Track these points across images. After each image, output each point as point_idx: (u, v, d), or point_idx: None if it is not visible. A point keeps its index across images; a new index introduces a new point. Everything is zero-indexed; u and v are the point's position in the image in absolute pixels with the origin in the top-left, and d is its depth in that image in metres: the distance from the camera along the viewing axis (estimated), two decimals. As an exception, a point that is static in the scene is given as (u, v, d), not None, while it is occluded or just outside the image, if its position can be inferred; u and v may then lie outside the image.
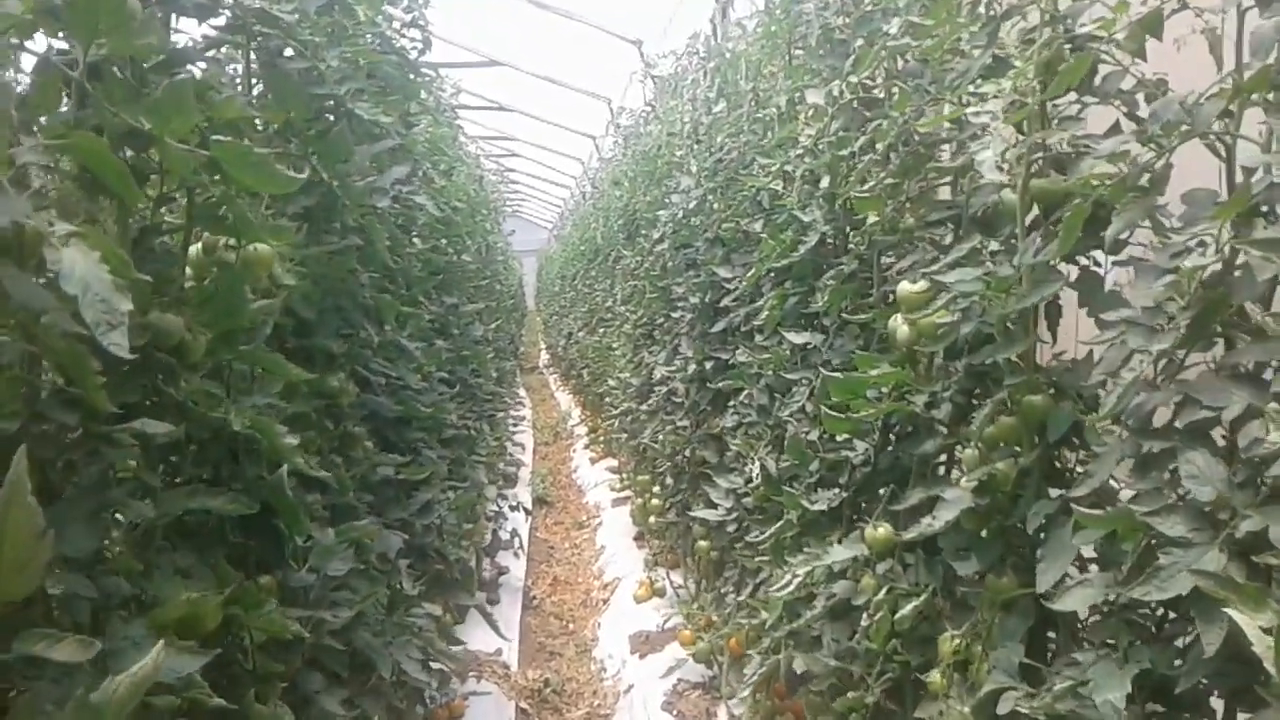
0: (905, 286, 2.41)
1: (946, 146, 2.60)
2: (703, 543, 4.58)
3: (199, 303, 1.64)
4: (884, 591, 2.37)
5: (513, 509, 6.75)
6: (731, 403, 4.16)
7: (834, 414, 2.53)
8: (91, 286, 1.11)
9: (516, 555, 6.86)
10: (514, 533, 6.74)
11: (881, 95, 2.85)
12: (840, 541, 2.66)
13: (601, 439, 10.19)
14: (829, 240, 3.04)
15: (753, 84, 3.95)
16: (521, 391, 15.77)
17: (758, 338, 3.68)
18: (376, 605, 2.49)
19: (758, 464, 3.15)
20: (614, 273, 9.14)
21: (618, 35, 12.17)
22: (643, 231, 6.79)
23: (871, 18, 3.04)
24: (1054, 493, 1.99)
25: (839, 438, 2.66)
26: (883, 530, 2.44)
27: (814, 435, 2.89)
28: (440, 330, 5.60)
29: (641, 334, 6.49)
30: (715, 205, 4.54)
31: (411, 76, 3.55)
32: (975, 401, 2.29)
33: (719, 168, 4.42)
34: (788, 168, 3.18)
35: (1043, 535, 1.88)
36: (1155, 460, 1.58)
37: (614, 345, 8.15)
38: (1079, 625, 1.87)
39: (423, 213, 5.02)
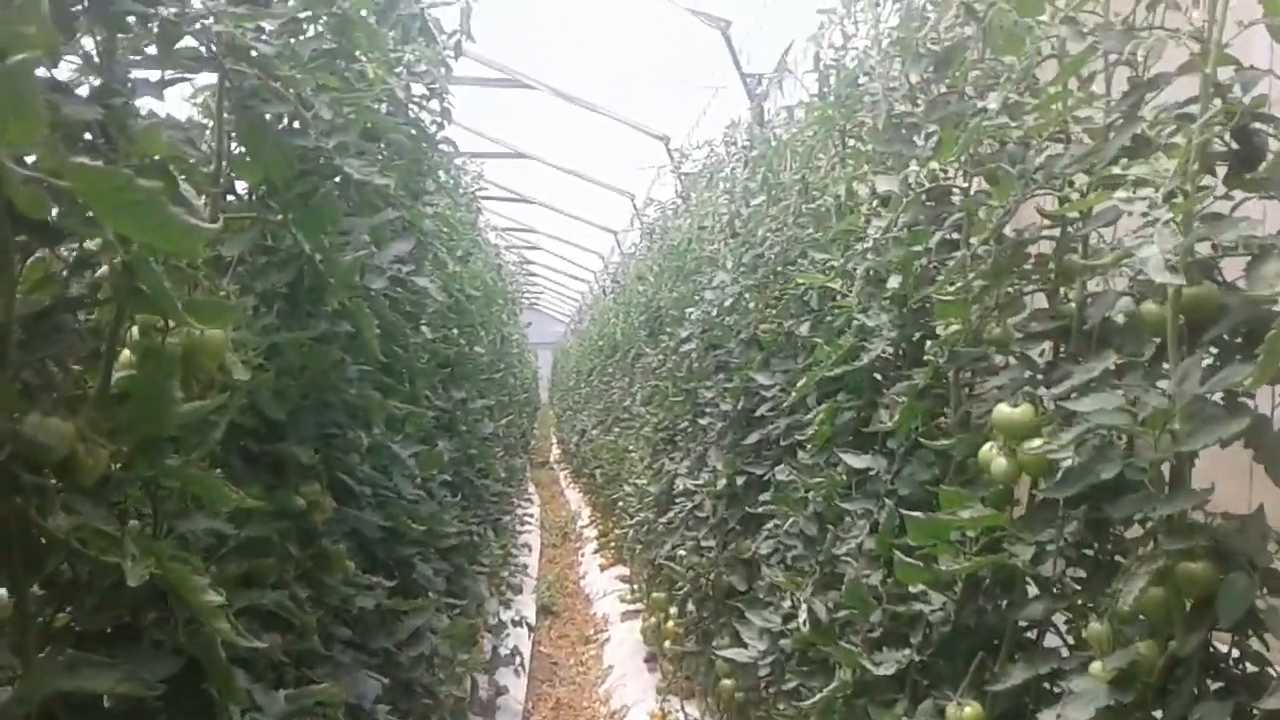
0: (1004, 410, 1.98)
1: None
2: (727, 681, 4.07)
3: (107, 405, 1.22)
4: (973, 792, 1.89)
5: (515, 624, 6.23)
6: (766, 526, 3.70)
7: (909, 560, 2.08)
8: None
9: (517, 673, 6.31)
10: (515, 650, 6.20)
11: (963, 184, 2.47)
12: (910, 715, 2.19)
13: (612, 545, 9.66)
14: (897, 349, 2.63)
15: (802, 173, 3.59)
16: (531, 487, 15.28)
17: (801, 455, 3.24)
18: (341, 775, 2.02)
19: (804, 605, 2.68)
20: (633, 371, 8.75)
21: (644, 130, 12.02)
22: (667, 329, 6.41)
23: (947, 100, 2.69)
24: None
25: (912, 588, 2.20)
26: (970, 711, 1.97)
27: (875, 579, 2.43)
28: (447, 427, 5.19)
29: (662, 439, 6.05)
30: (752, 304, 4.15)
31: (424, 147, 3.20)
32: (1095, 558, 1.85)
33: (758, 263, 4.04)
34: (848, 265, 2.78)
35: (1211, 752, 1.42)
36: None
37: (630, 448, 7.70)
38: None
39: (432, 299, 4.65)
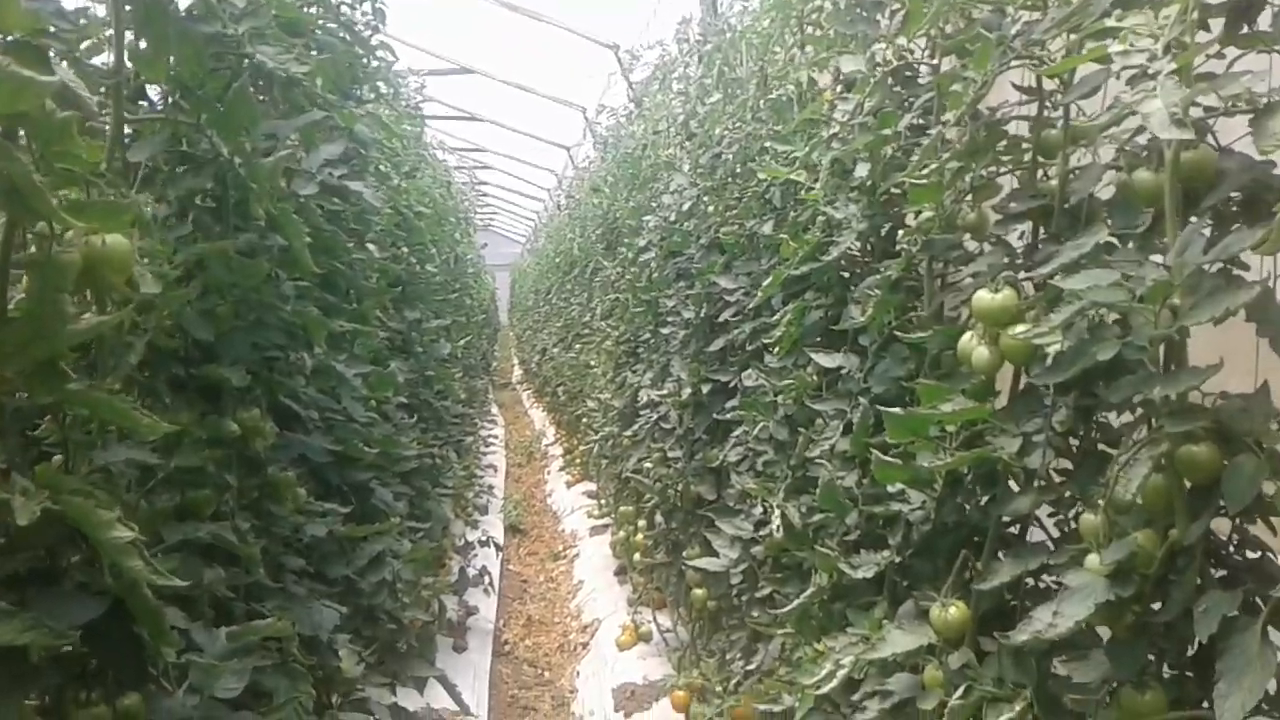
0: (984, 297, 1.86)
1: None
2: (699, 591, 4.02)
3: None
4: (960, 692, 1.82)
5: (483, 544, 6.16)
6: (735, 433, 3.61)
7: (887, 459, 1.98)
8: None
9: (487, 593, 6.26)
10: (484, 570, 6.14)
11: (932, 62, 2.32)
12: (889, 617, 2.12)
13: (578, 461, 9.61)
14: (866, 241, 2.50)
15: (759, 64, 3.41)
16: (494, 409, 15.18)
17: (768, 358, 3.13)
18: (299, 710, 1.91)
19: (777, 511, 2.59)
20: (591, 286, 8.59)
21: (593, 39, 11.65)
22: (625, 240, 6.25)
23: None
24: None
25: (890, 487, 2.11)
26: (955, 611, 1.89)
27: (851, 481, 2.34)
28: (401, 348, 5.04)
29: (624, 352, 5.93)
30: (711, 208, 4.00)
31: (358, 50, 2.98)
32: (1083, 448, 1.76)
33: (716, 164, 3.88)
34: (812, 156, 2.64)
35: (1216, 644, 1.34)
36: None
37: (592, 363, 7.58)
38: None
39: (377, 216, 4.46)
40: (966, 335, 1.94)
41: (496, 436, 12.73)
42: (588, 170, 10.85)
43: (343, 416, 2.67)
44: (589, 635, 5.81)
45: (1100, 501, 1.52)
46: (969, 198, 2.17)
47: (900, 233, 2.30)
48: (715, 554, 3.37)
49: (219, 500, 1.81)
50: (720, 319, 3.76)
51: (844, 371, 2.42)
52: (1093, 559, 1.50)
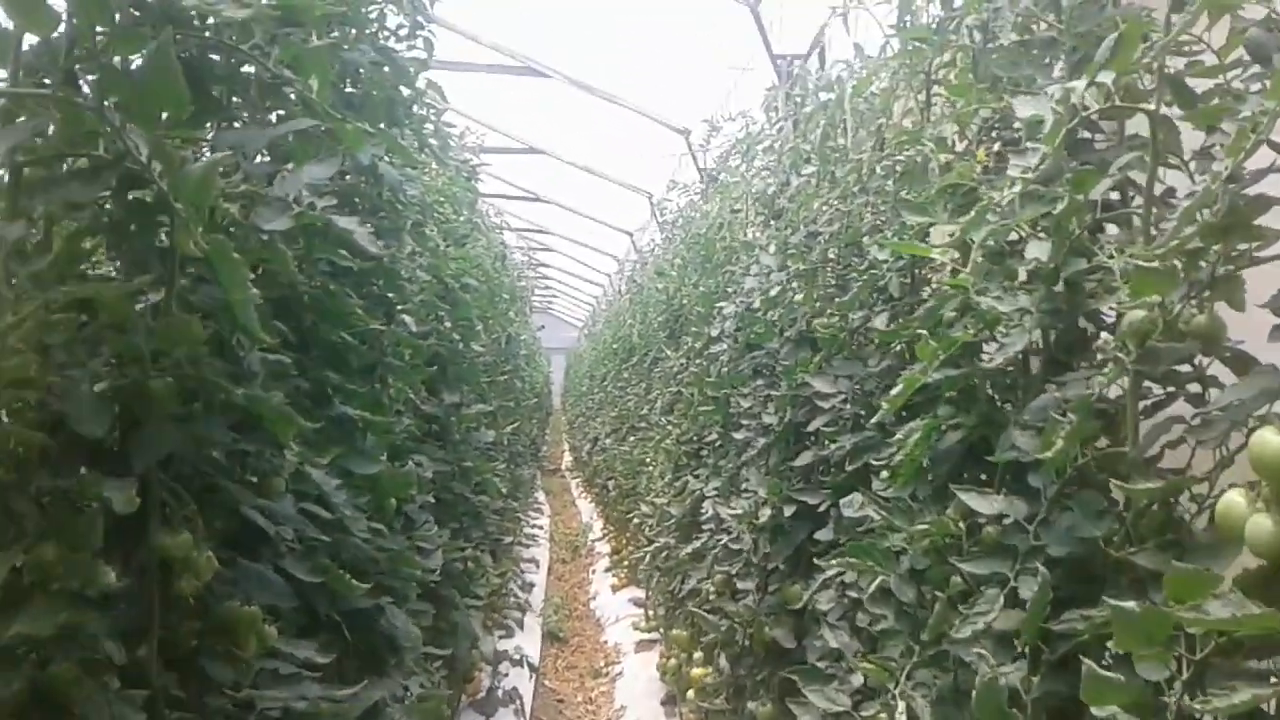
0: (1270, 440, 1.23)
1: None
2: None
3: None
4: None
5: (515, 663, 5.48)
6: (824, 572, 2.95)
7: (1103, 674, 1.32)
8: None
9: (518, 716, 5.56)
10: (515, 691, 5.45)
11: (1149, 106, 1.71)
12: None
13: (626, 565, 8.90)
14: (1045, 343, 1.87)
15: (876, 125, 2.82)
16: (540, 496, 14.54)
17: (875, 484, 2.49)
18: None
19: (901, 705, 1.91)
20: (650, 376, 8.00)
21: (664, 123, 11.28)
22: (691, 329, 5.66)
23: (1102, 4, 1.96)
24: None
25: (1099, 710, 1.44)
26: None
27: (1014, 677, 1.67)
28: (437, 436, 4.46)
29: (686, 453, 5.29)
30: (800, 296, 3.39)
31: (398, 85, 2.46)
32: None
33: (812, 244, 3.28)
34: (956, 232, 2.02)
35: None
36: None
37: (648, 460, 6.94)
38: None
39: (412, 280, 3.92)
40: (1233, 494, 1.30)
41: (541, 527, 12.07)
42: (652, 254, 10.34)
43: (331, 534, 2.07)
44: (629, 779, 5.06)
45: None
46: (1206, 294, 1.56)
47: (1103, 336, 1.67)
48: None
49: (94, 677, 1.20)
50: (809, 427, 3.12)
51: (1006, 521, 1.77)
52: None
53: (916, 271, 2.72)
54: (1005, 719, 1.60)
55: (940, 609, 1.89)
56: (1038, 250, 1.81)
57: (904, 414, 2.35)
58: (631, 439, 8.49)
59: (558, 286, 24.71)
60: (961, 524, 1.86)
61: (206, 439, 1.42)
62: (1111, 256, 1.72)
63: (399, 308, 3.54)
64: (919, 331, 1.96)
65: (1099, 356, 1.69)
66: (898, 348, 2.78)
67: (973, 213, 1.86)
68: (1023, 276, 1.89)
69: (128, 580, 1.34)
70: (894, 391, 2.00)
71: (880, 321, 2.60)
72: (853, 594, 2.59)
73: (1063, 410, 1.66)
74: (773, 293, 3.50)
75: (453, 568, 4.23)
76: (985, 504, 1.80)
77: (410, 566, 2.59)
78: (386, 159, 2.67)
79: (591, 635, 8.16)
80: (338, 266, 2.37)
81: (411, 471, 2.56)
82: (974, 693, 1.62)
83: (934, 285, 2.71)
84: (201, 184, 1.12)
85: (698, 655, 4.74)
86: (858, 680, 2.52)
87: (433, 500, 3.77)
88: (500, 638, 5.54)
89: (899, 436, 2.13)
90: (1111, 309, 1.74)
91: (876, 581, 2.04)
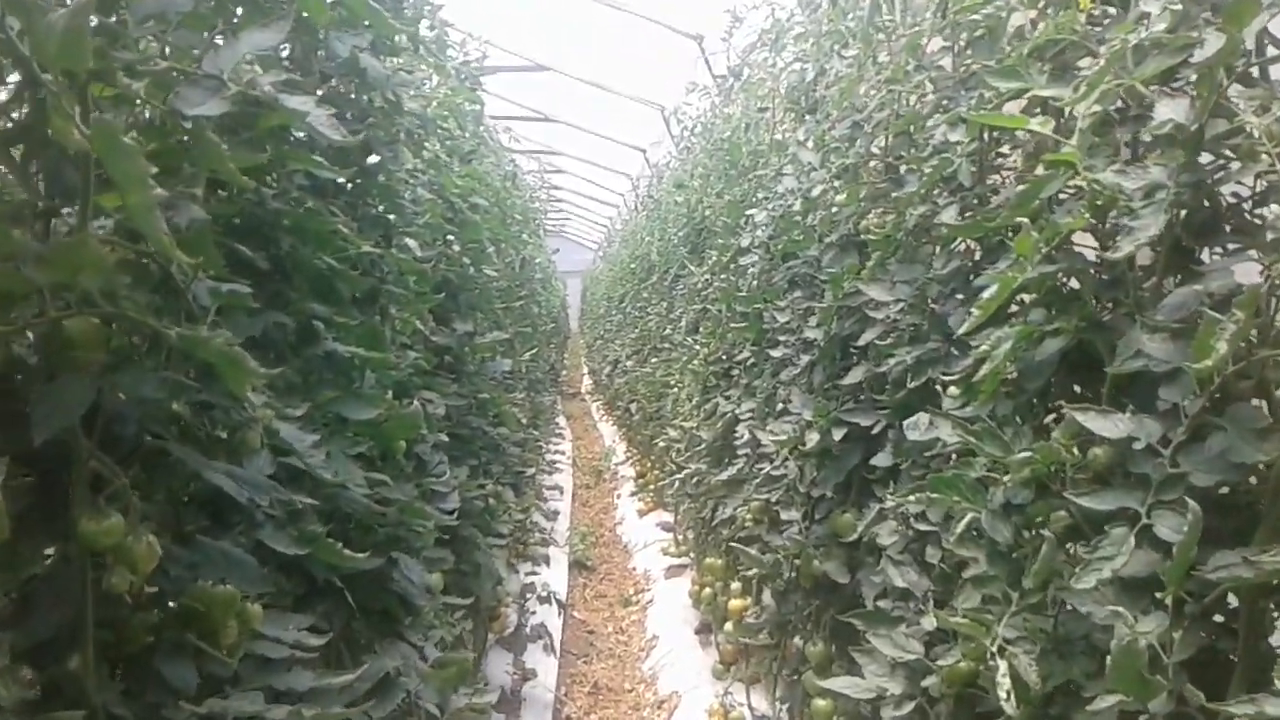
0: None
1: None
2: (822, 703, 3.04)
3: None
4: None
5: (543, 600, 5.26)
6: (881, 495, 2.65)
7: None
8: None
9: (547, 650, 5.35)
10: (542, 626, 5.23)
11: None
12: None
13: (652, 488, 8.67)
14: (1184, 228, 1.53)
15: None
16: (561, 420, 14.31)
17: (946, 403, 2.17)
18: None
19: (1002, 665, 1.62)
20: (672, 294, 7.66)
21: (674, 29, 10.74)
22: (717, 241, 5.30)
23: None
24: None
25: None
26: None
27: (1152, 632, 1.36)
28: (450, 368, 4.16)
29: (715, 373, 4.98)
30: (841, 197, 3.03)
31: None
32: None
33: (856, 135, 2.92)
34: (1060, 97, 1.66)
35: None
36: None
37: (673, 383, 6.64)
38: None
39: (423, 204, 3.60)
40: None
41: (564, 453, 11.86)
42: (668, 167, 9.92)
43: (325, 490, 1.77)
44: (667, 715, 4.85)
45: None
46: None
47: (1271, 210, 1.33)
48: (858, 672, 2.41)
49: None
50: (860, 341, 2.80)
51: (1137, 446, 1.44)
52: None
53: (985, 157, 2.37)
54: (1146, 686, 1.30)
55: (1047, 551, 1.58)
56: (1171, 110, 1.46)
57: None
58: (654, 360, 8.19)
59: (571, 209, 24.19)
60: (1075, 450, 1.54)
61: (144, 393, 1.11)
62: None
63: (400, 230, 3.22)
64: (1018, 220, 1.62)
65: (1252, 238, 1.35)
66: (963, 245, 2.44)
67: (1098, 66, 1.50)
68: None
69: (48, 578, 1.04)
70: (986, 294, 1.66)
71: (949, 215, 2.25)
72: (921, 526, 2.29)
73: (1206, 306, 1.33)
74: (814, 192, 3.14)
75: (473, 507, 3.96)
76: (1108, 425, 1.47)
77: (421, 517, 2.30)
78: (369, 53, 2.31)
79: (620, 562, 7.96)
80: (322, 182, 2.04)
81: (418, 411, 2.25)
82: (1108, 657, 1.31)
83: (1006, 171, 2.36)
84: (68, 42, 0.79)
85: (735, 586, 4.49)
86: (929, 623, 2.24)
87: (448, 438, 3.48)
88: (526, 574, 5.31)
89: (984, 347, 1.80)
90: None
91: (965, 519, 1.73)
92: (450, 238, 4.28)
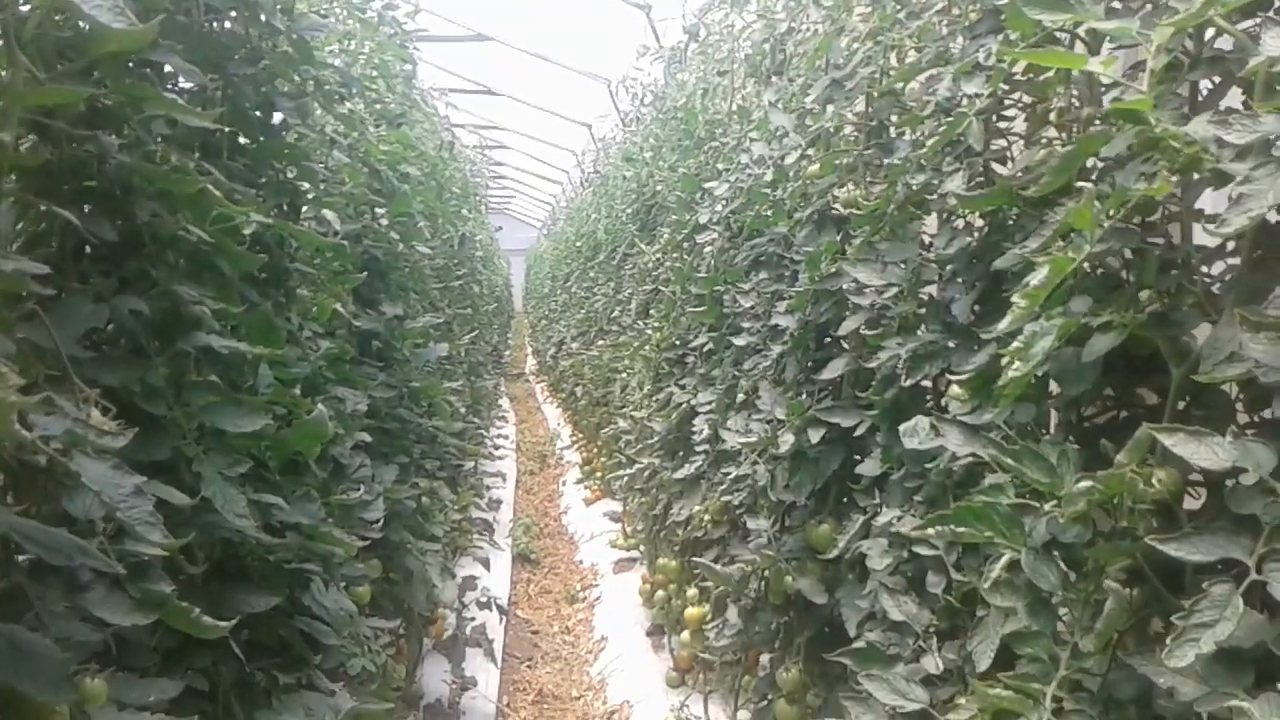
0: None
1: None
2: (789, 708, 2.71)
3: None
4: None
5: (482, 605, 4.88)
6: (865, 506, 2.32)
7: None
8: None
9: (488, 658, 4.99)
10: (483, 630, 4.87)
11: None
12: None
13: (599, 476, 8.31)
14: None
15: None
16: (505, 403, 13.87)
17: (953, 407, 1.84)
18: None
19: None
20: (620, 274, 7.29)
21: (622, -1, 10.34)
22: (670, 218, 4.94)
23: None
24: None
25: None
26: None
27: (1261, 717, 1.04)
28: (377, 356, 3.77)
29: (668, 359, 4.63)
30: (814, 167, 2.69)
31: None
32: None
33: (835, 95, 2.57)
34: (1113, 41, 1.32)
35: None
36: None
37: (621, 368, 6.28)
38: None
39: (343, 170, 3.20)
40: None
41: (507, 437, 11.45)
42: (615, 140, 9.52)
43: (201, 520, 1.39)
44: (617, 728, 4.52)
45: None
46: None
47: None
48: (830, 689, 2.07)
49: None
50: (840, 330, 2.46)
51: (1246, 480, 1.11)
52: None
53: (990, 120, 2.04)
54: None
55: (1114, 607, 1.25)
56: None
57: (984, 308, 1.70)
58: (601, 343, 7.82)
59: (514, 185, 23.66)
60: (1161, 481, 1.21)
61: None
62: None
63: (316, 200, 2.82)
64: (1079, 185, 1.27)
65: None
66: (967, 219, 2.11)
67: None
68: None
69: None
70: (1037, 279, 1.32)
71: (956, 184, 1.91)
72: (921, 550, 1.96)
73: None
74: (788, 159, 2.78)
75: (403, 509, 3.58)
76: (1204, 451, 1.14)
77: (329, 542, 1.92)
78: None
79: (565, 555, 7.60)
80: (208, 139, 1.64)
81: (323, 415, 1.86)
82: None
83: (1021, 135, 2.03)
84: None
85: (691, 592, 4.15)
86: (930, 666, 1.92)
87: (372, 436, 3.09)
88: (464, 577, 4.93)
89: (1017, 344, 1.45)
90: None
91: (1003, 560, 1.39)
92: (378, 210, 3.88)
